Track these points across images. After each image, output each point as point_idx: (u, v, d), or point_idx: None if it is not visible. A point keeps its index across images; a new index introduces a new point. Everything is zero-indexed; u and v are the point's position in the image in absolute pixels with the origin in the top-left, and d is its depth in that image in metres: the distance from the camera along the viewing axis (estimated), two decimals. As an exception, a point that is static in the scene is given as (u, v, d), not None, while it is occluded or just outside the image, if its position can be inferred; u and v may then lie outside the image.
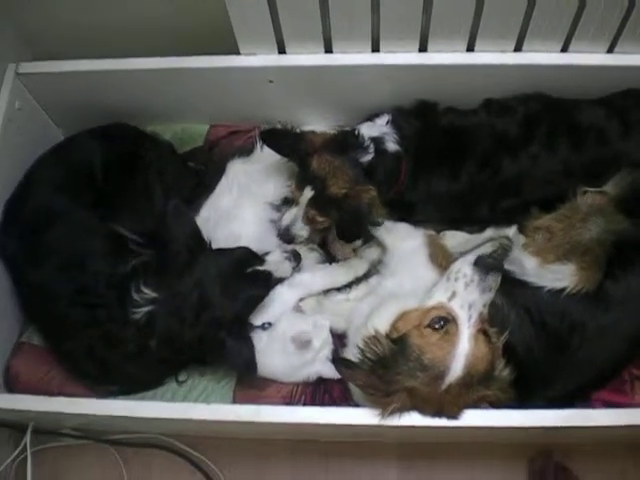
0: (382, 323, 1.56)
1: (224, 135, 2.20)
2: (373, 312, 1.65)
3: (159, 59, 1.93)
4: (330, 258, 2.03)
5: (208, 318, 1.65)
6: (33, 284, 1.85)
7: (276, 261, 1.81)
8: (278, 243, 1.93)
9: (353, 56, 1.88)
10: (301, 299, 1.93)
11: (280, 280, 1.86)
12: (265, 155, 1.99)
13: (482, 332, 1.48)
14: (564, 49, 1.86)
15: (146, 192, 1.98)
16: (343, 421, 1.56)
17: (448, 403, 1.47)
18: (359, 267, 1.97)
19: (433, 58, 1.86)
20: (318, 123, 2.10)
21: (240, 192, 2.00)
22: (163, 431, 2.05)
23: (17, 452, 1.99)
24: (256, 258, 1.77)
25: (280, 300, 1.88)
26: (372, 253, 1.98)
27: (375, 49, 1.88)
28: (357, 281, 1.96)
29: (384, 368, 1.46)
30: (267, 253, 1.83)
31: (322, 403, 1.83)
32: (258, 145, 2.03)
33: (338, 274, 1.97)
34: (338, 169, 1.71)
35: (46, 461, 2.09)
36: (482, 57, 1.85)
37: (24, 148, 2.00)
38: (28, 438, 1.92)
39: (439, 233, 1.95)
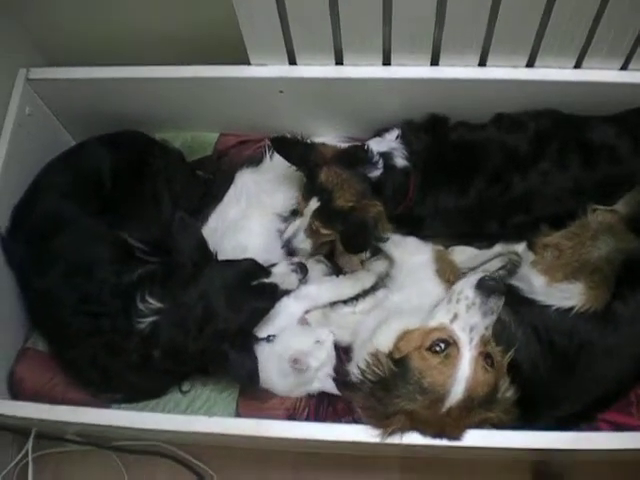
0: (386, 341, 1.55)
1: (233, 144, 2.20)
2: (377, 329, 1.64)
3: (170, 68, 1.94)
4: (337, 270, 2.02)
5: (212, 330, 1.64)
6: (39, 290, 1.84)
7: (282, 273, 1.80)
8: (285, 254, 1.92)
9: (364, 69, 1.87)
10: (307, 311, 1.91)
11: (286, 292, 1.85)
12: (274, 165, 1.99)
13: (484, 355, 1.46)
14: (577, 65, 1.85)
15: (154, 200, 1.98)
16: (345, 438, 1.55)
17: (449, 425, 1.46)
18: (366, 280, 1.96)
19: (445, 72, 1.86)
20: (328, 134, 2.09)
21: (248, 202, 1.99)
22: (165, 439, 2.05)
23: (20, 457, 1.99)
24: (262, 270, 1.76)
25: (286, 312, 1.87)
26: (379, 266, 1.96)
27: (386, 62, 1.87)
28: (364, 294, 1.94)
29: (384, 390, 1.45)
30: (273, 265, 1.82)
31: (325, 416, 1.83)
32: (267, 155, 2.04)
33: (345, 286, 1.95)
34: (346, 182, 1.70)
35: (48, 466, 2.11)
36: (494, 72, 1.84)
37: (34, 153, 2.00)
38: (30, 444, 1.93)
39: (448, 248, 1.94)
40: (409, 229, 1.88)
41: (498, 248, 1.94)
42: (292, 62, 1.89)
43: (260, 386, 1.75)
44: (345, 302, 1.95)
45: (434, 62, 1.86)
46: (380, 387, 1.46)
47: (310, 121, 2.06)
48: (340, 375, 1.77)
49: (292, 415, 1.81)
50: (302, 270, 1.85)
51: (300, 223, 1.82)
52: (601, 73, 1.84)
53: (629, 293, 1.66)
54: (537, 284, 1.74)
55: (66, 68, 1.99)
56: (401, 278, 1.86)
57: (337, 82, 1.89)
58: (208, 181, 2.13)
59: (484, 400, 1.45)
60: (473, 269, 1.95)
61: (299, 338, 1.81)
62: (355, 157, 1.74)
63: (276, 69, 1.90)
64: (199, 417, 1.68)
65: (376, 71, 1.87)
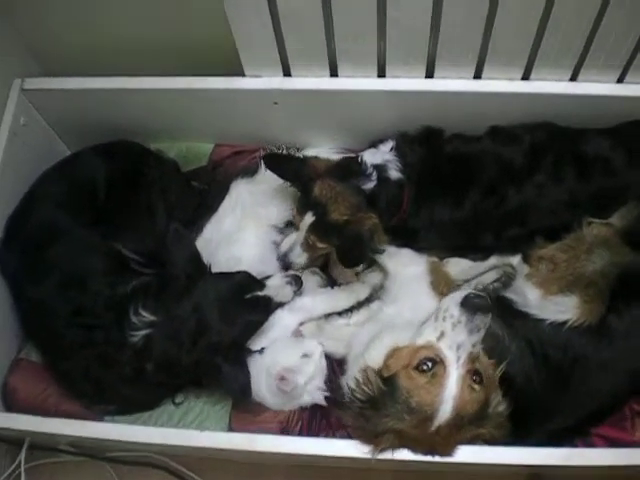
0: (377, 356, 1.55)
1: (228, 155, 2.19)
2: (369, 344, 1.63)
3: (165, 79, 1.94)
4: (332, 282, 2.01)
5: (205, 343, 1.63)
6: (32, 301, 1.84)
7: (277, 285, 1.80)
8: (280, 266, 1.92)
9: (358, 80, 1.87)
10: (301, 323, 1.90)
11: (281, 304, 1.84)
12: (269, 176, 1.96)
13: (472, 372, 1.45)
14: (573, 78, 1.85)
15: (148, 211, 1.98)
16: (338, 453, 1.54)
17: (439, 443, 1.45)
18: (361, 291, 1.95)
19: (439, 84, 1.86)
20: (322, 145, 2.09)
21: (243, 213, 1.99)
22: (158, 451, 2.04)
23: (13, 467, 1.99)
24: (256, 283, 1.75)
25: (280, 324, 1.86)
26: (374, 278, 1.96)
27: (381, 74, 1.87)
28: (358, 306, 1.94)
29: (373, 409, 1.45)
30: (268, 277, 1.82)
31: (319, 430, 1.82)
32: (262, 166, 2.02)
33: (339, 298, 1.95)
34: (340, 195, 1.69)
35: (42, 477, 2.10)
36: (489, 85, 1.84)
37: (29, 163, 2.00)
38: (23, 455, 1.93)
39: (442, 260, 1.93)
40: (404, 241, 1.87)
41: (493, 260, 1.94)
42: (287, 74, 1.89)
43: (253, 399, 1.75)
44: (340, 314, 1.94)
45: (429, 74, 1.86)
46: (369, 406, 1.45)
47: (305, 132, 2.06)
48: (332, 389, 1.76)
49: (285, 428, 1.80)
50: (297, 282, 1.84)
51: (296, 237, 1.82)
52: (597, 86, 1.83)
53: (624, 307, 1.66)
54: (531, 297, 1.74)
55: (61, 78, 1.99)
56: (395, 290, 1.85)
57: (331, 94, 1.89)
58: (203, 191, 2.13)
59: (474, 417, 1.44)
60: (468, 281, 1.95)
61: (285, 353, 1.79)
62: (349, 169, 1.73)
63: (270, 81, 1.90)
64: (191, 431, 1.67)
65: (371, 83, 1.87)
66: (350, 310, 1.94)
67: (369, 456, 1.47)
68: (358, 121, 1.99)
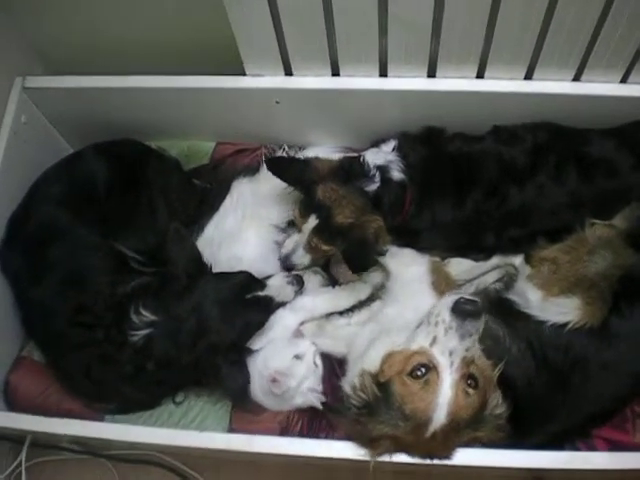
0: (375, 359, 1.54)
1: (230, 153, 2.19)
2: (368, 346, 1.63)
3: (167, 77, 1.94)
4: (333, 281, 2.01)
5: (205, 343, 1.64)
6: (33, 300, 1.84)
7: (278, 285, 1.80)
8: (283, 270, 1.91)
9: (360, 80, 1.87)
10: (302, 323, 1.90)
11: (282, 303, 1.84)
12: (271, 175, 1.96)
13: (467, 377, 1.44)
14: (576, 78, 1.83)
15: (149, 209, 1.97)
16: (337, 455, 1.55)
17: (436, 448, 1.45)
18: (362, 291, 1.94)
19: (441, 84, 1.85)
20: (324, 144, 2.09)
21: (245, 212, 1.98)
22: (160, 449, 2.04)
23: (14, 465, 1.99)
24: (257, 283, 1.75)
25: (281, 324, 1.86)
26: (376, 277, 1.95)
27: (383, 73, 1.86)
28: (359, 305, 1.93)
29: (368, 415, 1.45)
30: (269, 277, 1.82)
31: (319, 430, 1.81)
32: (264, 165, 2.01)
33: (340, 298, 1.94)
34: (344, 198, 1.68)
35: (43, 474, 2.11)
36: (491, 84, 1.84)
37: (30, 162, 2.00)
38: (24, 455, 1.94)
39: (444, 260, 1.93)
40: (406, 241, 1.86)
41: (495, 260, 1.93)
42: (288, 73, 1.89)
43: (251, 400, 1.75)
44: (341, 313, 1.93)
45: (431, 74, 1.85)
46: (365, 412, 1.45)
47: (306, 131, 2.06)
48: (332, 389, 1.76)
49: (285, 428, 1.80)
50: (298, 282, 1.84)
51: (299, 239, 1.80)
52: (600, 86, 1.83)
53: (626, 309, 1.65)
54: (533, 298, 1.73)
55: (63, 77, 1.99)
56: (396, 290, 1.84)
57: (333, 93, 1.89)
58: (204, 190, 2.11)
59: (470, 421, 1.44)
60: (470, 281, 1.94)
61: (277, 354, 1.79)
62: (352, 171, 1.71)
63: (272, 80, 1.90)
64: (190, 432, 1.67)
65: (372, 82, 1.87)
66: (351, 310, 1.93)
67: (367, 458, 1.47)
68: (360, 120, 1.99)
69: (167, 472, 2.09)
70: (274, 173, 1.76)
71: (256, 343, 1.82)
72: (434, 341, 1.47)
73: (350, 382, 1.55)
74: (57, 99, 2.02)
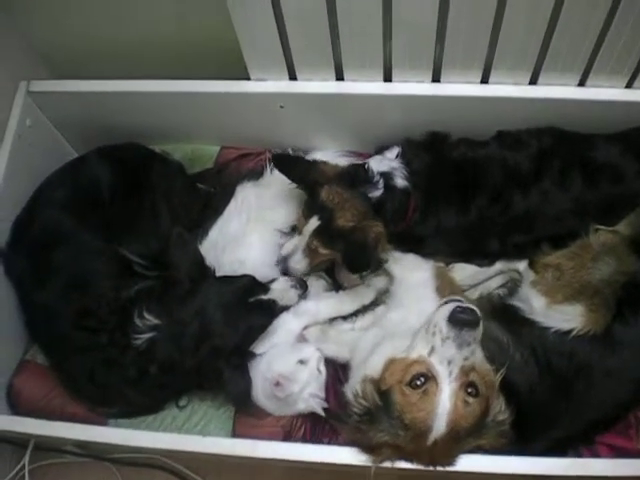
0: (378, 365, 1.54)
1: (234, 157, 2.19)
2: (371, 352, 1.63)
3: (172, 82, 1.94)
4: (337, 286, 2.00)
5: (209, 347, 1.64)
6: (37, 304, 1.85)
7: (281, 289, 1.80)
8: (280, 272, 1.92)
9: (364, 85, 1.86)
10: (306, 327, 1.90)
11: (285, 307, 1.84)
12: (275, 179, 1.98)
13: (466, 385, 1.43)
14: (581, 83, 1.83)
15: (153, 213, 1.97)
16: (340, 461, 1.54)
17: (437, 455, 1.45)
18: (366, 296, 1.94)
19: (446, 89, 1.85)
20: (328, 149, 2.08)
21: (249, 216, 1.98)
22: (163, 453, 2.05)
23: (17, 469, 2.00)
24: (260, 287, 1.76)
25: (285, 328, 1.86)
26: (380, 282, 1.94)
27: (387, 78, 1.86)
28: (363, 310, 1.92)
29: (369, 423, 1.45)
30: (272, 280, 1.81)
31: (322, 435, 1.80)
32: (268, 169, 2.02)
33: (344, 302, 1.93)
34: (347, 202, 1.68)
35: (47, 477, 2.13)
36: (496, 89, 1.83)
37: (35, 166, 2.00)
38: (27, 458, 1.94)
39: (448, 265, 1.93)
40: (410, 247, 1.86)
41: (499, 266, 1.93)
42: (292, 77, 1.89)
43: (254, 404, 1.75)
44: (344, 318, 1.93)
45: (435, 78, 1.85)
46: (366, 420, 1.45)
47: (310, 135, 2.05)
48: (335, 394, 1.76)
49: (288, 433, 1.80)
50: (302, 286, 1.84)
51: (298, 242, 1.80)
52: (605, 91, 1.82)
53: (630, 316, 1.64)
54: (537, 305, 1.73)
55: (67, 81, 1.99)
56: (400, 295, 1.84)
57: (337, 98, 1.89)
58: (209, 194, 2.12)
59: (471, 430, 1.43)
60: (474, 286, 1.94)
61: (281, 358, 1.79)
62: (356, 177, 1.72)
63: (276, 84, 1.90)
64: (193, 437, 1.68)
65: (377, 87, 1.86)
66: (355, 314, 1.92)
67: (369, 464, 1.47)
68: (364, 125, 1.98)
69: (170, 475, 2.10)
70: (279, 169, 1.76)
71: (259, 347, 1.82)
72: (432, 350, 1.46)
73: (352, 388, 1.55)
74: (62, 103, 2.02)
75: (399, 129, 1.90)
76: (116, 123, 2.08)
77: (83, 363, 1.76)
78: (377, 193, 1.70)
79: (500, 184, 1.79)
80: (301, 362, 1.77)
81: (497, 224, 1.81)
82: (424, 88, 1.85)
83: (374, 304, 1.93)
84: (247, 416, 1.83)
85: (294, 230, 1.95)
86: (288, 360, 1.77)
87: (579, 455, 1.68)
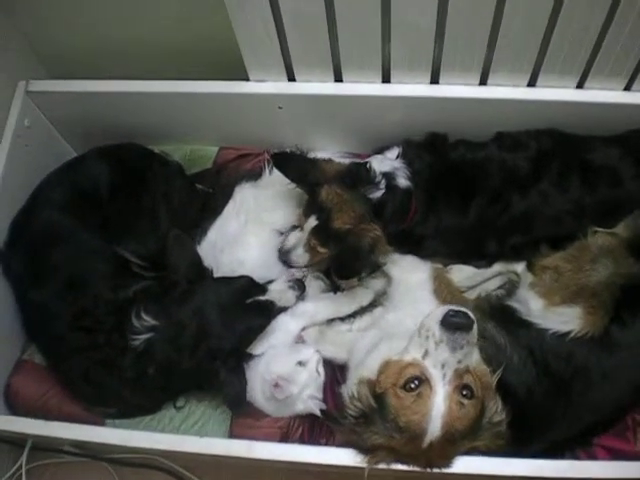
0: (374, 367, 1.54)
1: (233, 158, 2.19)
2: (368, 353, 1.63)
3: (170, 82, 1.94)
4: (335, 287, 1.99)
5: (206, 348, 1.63)
6: (34, 304, 1.84)
7: (279, 290, 1.80)
8: (284, 270, 1.92)
9: (363, 86, 1.87)
10: (304, 328, 1.90)
11: (283, 309, 1.84)
12: (274, 180, 1.98)
13: (461, 387, 1.43)
14: (580, 85, 1.83)
15: (152, 214, 1.97)
16: (336, 462, 1.54)
17: (433, 458, 1.45)
18: (364, 297, 1.93)
19: (444, 90, 1.85)
20: (327, 149, 2.09)
21: (247, 217, 1.98)
22: (160, 453, 2.05)
23: (15, 469, 2.00)
24: (257, 288, 1.75)
25: (282, 329, 1.86)
26: (378, 283, 1.94)
27: (386, 79, 1.86)
28: (361, 311, 1.93)
29: (364, 425, 1.45)
30: (271, 281, 1.82)
31: (320, 436, 1.81)
32: (267, 169, 2.02)
33: (342, 304, 1.93)
34: (345, 204, 1.67)
35: (44, 477, 2.13)
36: (494, 91, 1.83)
37: (33, 165, 2.00)
38: (24, 458, 1.94)
39: (446, 267, 1.92)
40: (408, 248, 1.86)
41: (497, 267, 1.93)
42: (291, 78, 1.89)
43: (250, 406, 1.76)
44: (342, 319, 1.93)
45: (434, 80, 1.85)
46: (361, 422, 1.45)
47: (309, 136, 2.06)
48: (333, 395, 1.76)
49: (286, 434, 1.80)
50: (300, 287, 1.84)
51: (300, 237, 1.80)
52: (604, 94, 1.82)
53: (628, 318, 1.65)
54: (534, 307, 1.73)
55: (66, 81, 1.99)
56: (397, 297, 1.84)
57: (336, 99, 1.89)
58: (207, 195, 2.12)
59: (467, 431, 1.43)
60: (472, 288, 1.94)
61: (281, 360, 1.78)
62: (358, 177, 1.70)
63: (275, 85, 1.90)
64: (190, 437, 1.67)
65: (375, 88, 1.87)
66: (353, 316, 1.93)
67: (365, 466, 1.47)
68: (362, 126, 1.99)
69: (167, 475, 2.09)
70: (279, 168, 1.76)
71: (257, 348, 1.82)
72: (426, 354, 1.46)
73: (349, 390, 1.55)
74: (60, 103, 2.02)
75: (397, 130, 1.91)
76: (115, 123, 2.08)
77: (80, 363, 1.76)
78: (378, 193, 1.70)
79: (499, 185, 1.79)
80: (300, 363, 1.77)
81: (496, 225, 1.81)
82: (423, 89, 1.85)
83: (372, 305, 1.93)
84: (245, 417, 1.82)
85: (294, 229, 1.94)
86: (287, 361, 1.77)
87: (576, 457, 1.68)
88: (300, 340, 1.89)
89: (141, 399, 1.83)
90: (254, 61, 1.83)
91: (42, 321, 1.84)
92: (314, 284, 1.98)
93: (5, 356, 1.94)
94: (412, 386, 1.43)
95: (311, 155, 1.80)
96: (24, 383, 1.92)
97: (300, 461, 1.57)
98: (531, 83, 1.83)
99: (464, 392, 1.43)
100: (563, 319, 1.67)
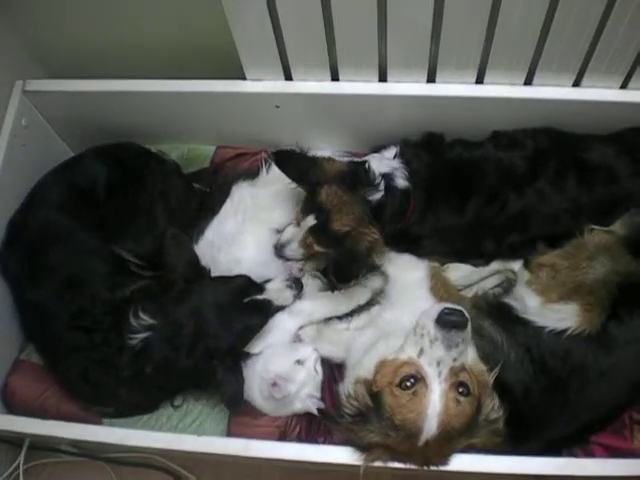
0: (371, 365, 1.54)
1: (230, 157, 2.19)
2: (365, 352, 1.63)
3: (167, 82, 1.94)
4: (332, 286, 1.99)
5: (203, 347, 1.64)
6: (32, 303, 1.84)
7: (277, 289, 1.80)
8: (281, 269, 1.92)
9: (360, 85, 1.87)
10: (301, 327, 1.90)
11: (281, 307, 1.84)
12: (271, 179, 1.99)
13: (457, 385, 1.44)
14: (576, 83, 1.83)
15: (149, 213, 1.97)
16: (334, 460, 1.54)
17: (430, 455, 1.45)
18: (361, 296, 1.93)
19: (441, 89, 1.85)
20: (325, 148, 2.08)
21: (245, 216, 1.98)
22: (158, 452, 2.05)
23: (12, 468, 2.00)
24: (255, 287, 1.75)
25: (280, 328, 1.86)
26: (375, 282, 1.94)
27: (382, 78, 1.86)
28: (359, 310, 1.93)
29: (361, 424, 1.45)
30: (268, 280, 1.82)
31: (318, 434, 1.81)
32: (264, 169, 2.02)
33: (339, 302, 1.93)
34: (345, 205, 1.67)
35: (42, 476, 2.13)
36: (490, 90, 1.83)
37: (30, 165, 2.00)
38: (22, 457, 1.94)
39: (443, 265, 1.93)
40: (406, 247, 1.86)
41: (494, 265, 1.93)
42: (288, 77, 1.89)
43: (247, 405, 1.76)
44: (340, 318, 1.93)
45: (431, 79, 1.85)
46: (357, 420, 1.46)
47: (306, 135, 2.03)
48: (330, 394, 1.76)
49: (284, 433, 1.80)
50: (297, 286, 1.84)
51: (295, 232, 1.80)
52: (600, 92, 1.82)
53: (625, 316, 1.64)
54: (531, 304, 1.73)
55: (63, 80, 1.99)
56: (394, 296, 1.85)
57: (333, 98, 1.89)
58: (204, 194, 2.12)
59: (464, 429, 1.43)
60: (469, 286, 1.94)
61: (279, 358, 1.79)
62: (357, 178, 1.70)
63: (272, 84, 1.90)
64: (188, 436, 1.67)
65: (372, 87, 1.87)
66: (350, 314, 1.92)
67: (362, 464, 1.48)
68: (359, 125, 1.99)
69: (165, 474, 2.10)
70: (279, 167, 1.75)
71: (255, 347, 1.82)
72: (421, 352, 1.47)
73: (346, 389, 1.55)
74: (57, 102, 2.02)
75: (394, 129, 1.91)
76: (112, 122, 2.08)
77: (78, 363, 1.75)
78: (378, 195, 1.69)
79: (496, 184, 1.79)
80: (298, 362, 1.77)
81: (493, 224, 1.81)
82: (419, 88, 1.85)
83: (369, 304, 1.93)
84: (243, 415, 1.82)
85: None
86: (285, 360, 1.77)
87: (573, 455, 1.68)
88: (298, 339, 1.88)
89: (139, 398, 1.82)
90: (251, 60, 1.83)
91: (40, 321, 1.83)
92: (311, 283, 1.97)
93: (3, 356, 1.94)
94: (408, 384, 1.44)
95: (313, 154, 1.80)
96: (22, 383, 1.92)
97: (298, 459, 1.57)
98: (528, 81, 1.83)
99: (460, 390, 1.43)
100: (560, 316, 1.67)
